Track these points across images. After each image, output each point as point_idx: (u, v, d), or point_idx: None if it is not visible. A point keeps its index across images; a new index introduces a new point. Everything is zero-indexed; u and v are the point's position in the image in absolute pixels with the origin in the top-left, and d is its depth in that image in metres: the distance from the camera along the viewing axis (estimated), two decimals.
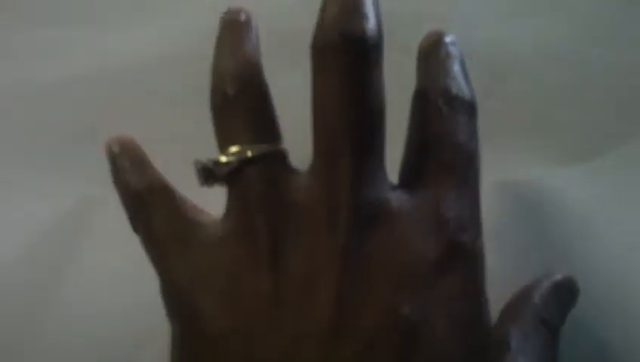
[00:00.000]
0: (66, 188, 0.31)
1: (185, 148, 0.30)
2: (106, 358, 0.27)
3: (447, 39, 0.24)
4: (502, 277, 0.27)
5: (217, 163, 0.22)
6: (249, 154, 0.22)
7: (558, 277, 0.25)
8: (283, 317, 0.20)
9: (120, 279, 0.28)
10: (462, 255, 0.21)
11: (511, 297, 0.25)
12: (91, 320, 0.28)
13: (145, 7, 0.34)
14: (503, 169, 0.30)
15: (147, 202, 0.23)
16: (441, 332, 0.20)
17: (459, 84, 0.23)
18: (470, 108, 0.23)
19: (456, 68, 0.24)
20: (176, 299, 0.22)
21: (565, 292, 0.25)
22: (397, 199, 0.22)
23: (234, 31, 0.24)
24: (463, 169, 0.23)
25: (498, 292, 0.25)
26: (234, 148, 0.22)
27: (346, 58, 0.22)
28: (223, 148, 0.23)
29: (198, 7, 0.34)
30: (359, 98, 0.22)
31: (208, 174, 0.23)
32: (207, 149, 0.29)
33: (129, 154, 0.25)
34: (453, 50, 0.24)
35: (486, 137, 0.25)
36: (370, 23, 0.22)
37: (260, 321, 0.20)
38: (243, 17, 0.25)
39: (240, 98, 0.23)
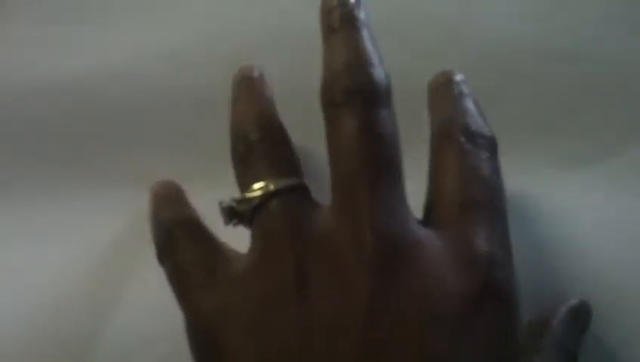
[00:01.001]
0: (64, 190, 0.30)
1: (186, 147, 0.30)
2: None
3: (457, 77, 0.24)
4: None
5: (240, 200, 0.23)
6: (272, 187, 0.22)
7: (574, 302, 0.25)
8: (310, 356, 0.20)
9: (120, 283, 0.28)
10: (498, 293, 0.21)
11: (528, 325, 0.25)
12: (94, 323, 0.28)
13: (146, 7, 0.33)
14: (507, 173, 0.28)
15: (174, 234, 0.24)
16: None
17: (477, 122, 0.23)
18: (491, 146, 0.23)
19: (471, 106, 0.24)
20: (203, 335, 0.22)
21: (581, 317, 0.25)
22: (425, 234, 0.21)
23: (249, 86, 0.25)
24: (492, 203, 0.22)
25: None
26: (257, 185, 0.22)
27: (359, 101, 0.22)
28: (245, 188, 0.23)
29: (200, 6, 0.33)
30: (375, 136, 0.22)
31: (232, 212, 0.23)
32: (208, 148, 0.30)
33: (166, 191, 0.25)
34: (465, 88, 0.24)
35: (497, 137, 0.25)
36: (378, 69, 0.23)
37: (288, 358, 0.20)
38: (256, 73, 0.26)
39: (262, 141, 0.23)
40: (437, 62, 0.29)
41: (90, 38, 0.33)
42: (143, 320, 0.27)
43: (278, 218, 0.22)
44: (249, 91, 0.25)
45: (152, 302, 0.26)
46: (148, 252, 0.25)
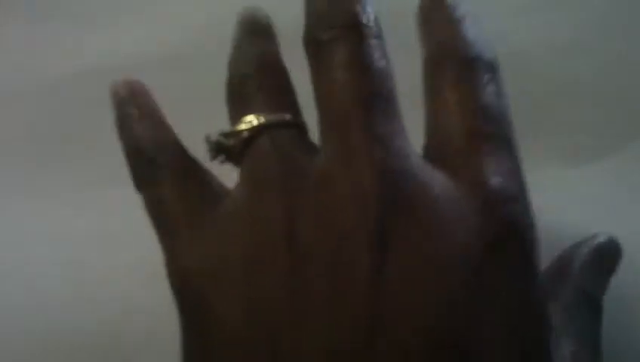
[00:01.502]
0: (61, 188, 0.30)
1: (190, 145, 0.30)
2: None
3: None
4: None
5: (229, 133, 0.20)
6: (263, 120, 0.20)
7: (600, 239, 0.23)
8: (304, 325, 0.17)
9: (118, 277, 0.28)
10: (517, 232, 0.18)
11: (549, 266, 0.23)
12: (91, 320, 0.27)
13: (143, 4, 0.34)
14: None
15: (156, 161, 0.21)
16: (497, 331, 0.17)
17: (475, 45, 0.21)
18: (492, 67, 0.21)
19: (467, 26, 0.21)
20: (187, 286, 0.19)
21: (607, 257, 0.23)
22: (430, 173, 0.19)
23: (252, 28, 0.23)
24: (499, 132, 0.20)
25: None
26: (248, 118, 0.20)
27: (345, 34, 0.20)
28: (235, 120, 0.21)
29: (197, 4, 0.34)
30: (365, 67, 0.20)
31: (219, 147, 0.21)
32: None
33: (138, 101, 0.22)
34: (459, 8, 0.22)
35: None
36: (362, 4, 0.21)
37: (278, 313, 0.18)
38: (264, 20, 0.24)
39: (258, 75, 0.21)
40: None
41: (85, 38, 0.33)
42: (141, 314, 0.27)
43: (268, 155, 0.20)
44: (252, 32, 0.23)
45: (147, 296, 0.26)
46: (147, 249, 0.24)
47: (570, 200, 0.28)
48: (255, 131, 0.20)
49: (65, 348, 0.27)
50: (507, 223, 0.18)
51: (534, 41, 0.32)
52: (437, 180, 0.19)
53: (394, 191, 0.18)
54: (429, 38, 0.22)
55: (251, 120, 0.20)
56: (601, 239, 0.23)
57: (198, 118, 0.29)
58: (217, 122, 0.26)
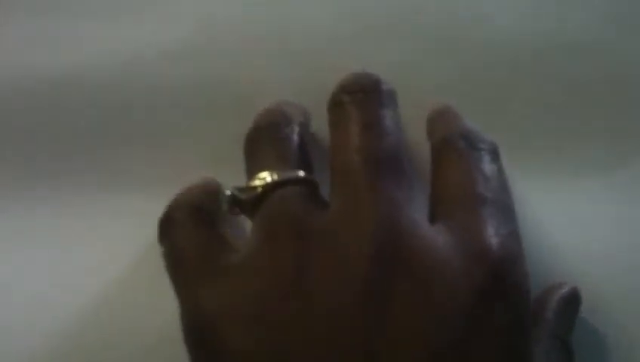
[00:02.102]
0: (68, 188, 0.30)
1: (191, 143, 0.30)
2: None
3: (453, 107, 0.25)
4: None
5: (244, 189, 0.22)
6: (275, 177, 0.22)
7: (565, 290, 0.25)
8: (310, 354, 0.19)
9: (124, 285, 0.28)
10: (510, 287, 0.20)
11: None
12: (94, 326, 0.27)
13: (145, 3, 0.33)
14: (516, 177, 0.28)
15: (175, 215, 0.23)
16: None
17: (476, 130, 0.23)
18: (493, 149, 0.23)
19: (468, 121, 0.24)
20: (202, 330, 0.21)
21: (572, 304, 0.25)
22: (430, 228, 0.21)
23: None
24: (499, 199, 0.22)
25: None
26: (263, 175, 0.22)
27: (364, 99, 0.22)
28: (251, 176, 0.23)
29: (200, 4, 0.33)
30: (378, 132, 0.22)
31: (234, 200, 0.23)
32: (212, 145, 0.29)
33: (199, 182, 0.25)
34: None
35: (504, 141, 0.25)
36: (385, 82, 0.23)
37: (286, 352, 0.20)
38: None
39: (274, 131, 0.23)
40: (444, 62, 0.30)
41: (88, 34, 0.32)
42: (147, 323, 0.26)
43: (279, 209, 0.21)
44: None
45: (156, 305, 0.26)
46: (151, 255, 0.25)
47: (579, 207, 0.28)
48: (268, 188, 0.22)
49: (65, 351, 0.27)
50: (500, 279, 0.20)
51: (548, 41, 0.31)
52: (438, 238, 0.20)
53: (394, 247, 0.20)
54: (436, 130, 0.24)
55: (265, 176, 0.22)
56: (565, 290, 0.25)
57: (199, 114, 0.30)
58: (217, 119, 0.27)
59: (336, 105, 0.23)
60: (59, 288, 0.28)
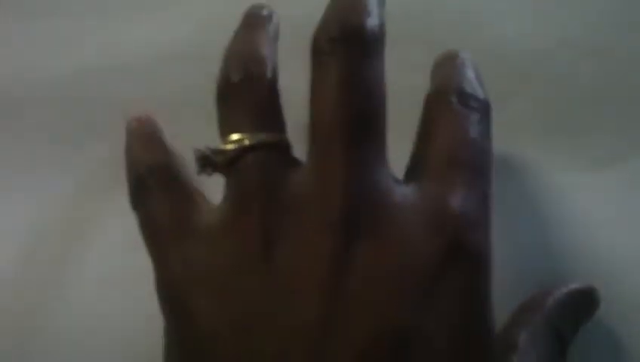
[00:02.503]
0: (69, 186, 0.31)
1: (190, 145, 0.30)
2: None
3: (463, 54, 0.24)
4: (518, 283, 0.26)
5: (216, 151, 0.22)
6: (247, 142, 0.21)
7: (577, 285, 0.24)
8: (273, 316, 0.20)
9: (121, 282, 0.28)
10: (466, 256, 0.20)
11: (525, 300, 0.24)
12: (93, 324, 0.28)
13: (147, 3, 0.34)
14: (525, 173, 0.29)
15: (146, 182, 0.23)
16: (439, 341, 0.19)
17: (473, 85, 0.23)
18: (484, 108, 0.23)
19: (470, 72, 0.23)
20: (170, 294, 0.21)
21: (582, 303, 0.25)
22: (399, 192, 0.21)
23: (252, 23, 0.25)
24: (476, 164, 0.22)
25: (513, 296, 0.25)
26: (234, 137, 0.22)
27: (344, 48, 0.21)
28: (223, 137, 0.22)
29: (202, 3, 0.34)
30: (357, 87, 0.21)
31: (206, 162, 0.22)
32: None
33: (142, 130, 0.25)
34: (467, 59, 0.24)
35: (508, 139, 0.25)
36: (372, 18, 0.22)
37: (251, 318, 0.20)
38: (265, 12, 0.25)
39: (244, 86, 0.22)
40: None
41: (91, 34, 0.33)
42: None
43: (251, 175, 0.21)
44: (249, 28, 0.25)
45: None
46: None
47: (592, 204, 0.28)
48: (240, 151, 0.21)
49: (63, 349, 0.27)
50: (458, 246, 0.20)
51: (551, 41, 0.32)
52: (406, 203, 0.21)
53: (360, 207, 0.20)
54: (433, 79, 0.24)
55: (238, 138, 0.22)
56: (578, 285, 0.24)
57: (199, 116, 0.29)
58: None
59: (315, 53, 0.22)
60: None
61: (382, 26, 0.22)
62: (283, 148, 0.22)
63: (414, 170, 0.22)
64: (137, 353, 0.26)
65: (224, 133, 0.22)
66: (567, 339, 0.23)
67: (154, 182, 0.23)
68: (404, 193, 0.21)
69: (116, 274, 0.28)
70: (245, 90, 0.22)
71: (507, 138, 0.24)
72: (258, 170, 0.21)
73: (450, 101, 0.22)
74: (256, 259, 0.20)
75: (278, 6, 0.28)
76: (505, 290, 0.23)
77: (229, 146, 0.22)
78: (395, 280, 0.19)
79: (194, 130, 0.29)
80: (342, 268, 0.20)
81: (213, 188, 0.23)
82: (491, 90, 0.29)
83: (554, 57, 0.31)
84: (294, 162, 0.22)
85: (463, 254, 0.20)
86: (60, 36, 0.33)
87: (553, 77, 0.31)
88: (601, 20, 0.32)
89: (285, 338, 0.19)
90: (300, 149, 0.23)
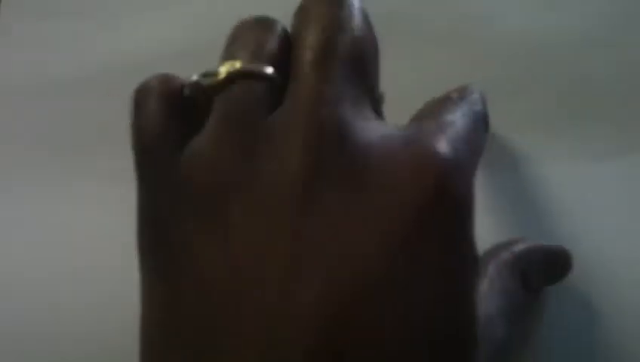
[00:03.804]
0: (75, 187, 0.30)
1: None
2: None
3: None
4: None
5: (207, 74, 0.21)
6: (238, 66, 0.21)
7: (553, 245, 0.25)
8: (237, 279, 0.18)
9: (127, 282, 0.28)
10: (451, 198, 0.18)
11: (500, 241, 0.24)
12: (95, 322, 0.27)
13: (148, 4, 0.34)
14: (535, 163, 0.28)
15: (141, 95, 0.22)
16: (420, 290, 0.18)
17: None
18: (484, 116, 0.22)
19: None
20: (150, 215, 0.20)
21: (553, 259, 0.25)
22: (382, 134, 0.20)
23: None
24: (470, 107, 0.21)
25: None
26: (229, 62, 0.21)
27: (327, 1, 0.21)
28: (220, 62, 0.22)
29: (204, 4, 0.33)
30: (341, 27, 0.20)
31: (196, 85, 0.21)
32: None
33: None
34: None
35: (518, 131, 0.24)
36: None
37: (217, 282, 0.18)
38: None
39: (261, 25, 0.22)
40: (464, 53, 0.30)
41: (95, 35, 0.33)
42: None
43: (234, 101, 0.20)
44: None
45: None
46: None
47: (593, 196, 0.28)
48: (230, 76, 0.21)
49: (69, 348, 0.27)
50: (444, 187, 0.18)
51: (559, 34, 0.31)
52: (386, 141, 0.19)
53: (334, 153, 0.19)
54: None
55: (231, 64, 0.21)
56: (554, 245, 0.25)
57: None
58: None
59: (300, 9, 0.22)
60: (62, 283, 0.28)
61: None
62: (274, 82, 0.21)
63: (411, 120, 0.21)
64: None
65: (222, 59, 0.22)
66: (532, 286, 0.23)
67: (147, 94, 0.22)
68: (387, 135, 0.20)
69: None
70: (260, 27, 0.22)
71: (509, 130, 0.24)
72: (242, 97, 0.20)
73: (450, 95, 0.22)
74: (230, 185, 0.19)
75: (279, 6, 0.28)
76: None
77: (222, 70, 0.21)
78: (374, 225, 0.18)
79: None
80: (306, 209, 0.18)
81: None
82: (494, 83, 0.29)
83: (562, 50, 0.31)
84: (283, 97, 0.21)
85: (446, 196, 0.18)
86: (67, 37, 0.33)
87: (561, 69, 0.31)
88: (603, 14, 0.32)
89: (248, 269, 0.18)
90: None
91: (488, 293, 0.21)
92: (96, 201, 0.29)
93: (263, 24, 0.22)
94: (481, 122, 0.22)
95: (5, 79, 0.32)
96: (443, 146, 0.19)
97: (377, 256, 0.18)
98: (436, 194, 0.18)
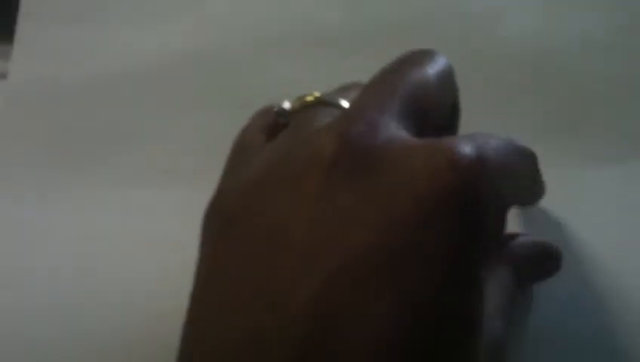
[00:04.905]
0: (89, 191, 0.30)
1: (208, 146, 0.30)
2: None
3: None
4: None
5: (295, 100, 0.25)
6: (311, 98, 0.24)
7: (544, 241, 0.25)
8: (254, 264, 0.20)
9: (138, 286, 0.28)
10: (467, 200, 0.19)
11: None
12: (102, 326, 0.27)
13: (169, 6, 0.35)
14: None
15: (246, 129, 0.26)
16: (415, 286, 0.18)
17: None
18: None
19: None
20: (213, 208, 0.23)
21: (544, 255, 0.25)
22: (409, 137, 0.21)
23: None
24: (505, 138, 0.21)
25: None
26: (315, 93, 0.24)
27: None
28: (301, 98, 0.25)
29: (222, 5, 0.35)
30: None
31: (282, 111, 0.24)
32: (211, 147, 0.28)
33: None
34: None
35: (520, 135, 0.25)
36: None
37: (244, 269, 0.20)
38: None
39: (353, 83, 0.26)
40: (463, 57, 0.30)
41: (99, 40, 0.34)
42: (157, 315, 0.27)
43: (304, 118, 0.23)
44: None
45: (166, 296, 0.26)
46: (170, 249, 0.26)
47: (591, 201, 0.28)
48: (309, 103, 0.24)
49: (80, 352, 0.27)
50: (457, 185, 0.19)
51: (562, 38, 0.32)
52: (407, 141, 0.20)
53: (351, 150, 0.20)
54: None
55: (314, 95, 0.24)
56: (546, 241, 0.25)
57: (227, 115, 0.29)
58: (222, 122, 0.27)
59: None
60: (70, 281, 0.28)
61: None
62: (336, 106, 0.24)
63: None
64: None
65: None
66: (519, 277, 0.23)
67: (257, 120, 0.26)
68: (412, 138, 0.21)
69: None
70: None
71: (516, 130, 0.25)
72: (309, 116, 0.23)
73: None
74: (255, 207, 0.21)
75: (284, 7, 0.29)
76: None
77: (307, 98, 0.24)
78: (371, 214, 0.19)
79: (206, 130, 0.31)
80: (325, 210, 0.19)
81: None
82: (494, 87, 0.30)
83: (565, 53, 0.32)
84: None
85: (462, 197, 0.19)
86: (80, 43, 0.34)
87: (564, 73, 0.31)
88: (612, 18, 0.32)
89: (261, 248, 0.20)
90: None
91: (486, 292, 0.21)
92: (108, 196, 0.30)
93: (358, 83, 0.25)
94: (522, 151, 0.23)
95: (16, 85, 0.33)
96: (467, 148, 0.19)
97: (378, 240, 0.18)
98: (449, 187, 0.19)
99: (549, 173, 0.26)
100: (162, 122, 0.32)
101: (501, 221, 0.21)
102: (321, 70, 0.27)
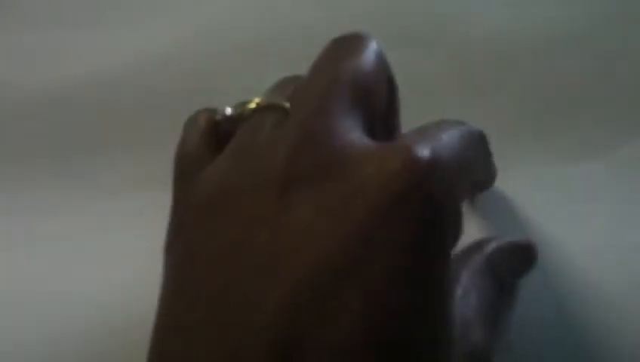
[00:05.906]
0: (72, 197, 0.31)
1: None
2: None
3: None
4: None
5: (237, 105, 0.24)
6: (258, 103, 0.23)
7: (519, 239, 0.25)
8: (230, 266, 0.20)
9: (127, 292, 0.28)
10: (424, 201, 0.19)
11: (469, 243, 0.24)
12: (95, 330, 0.27)
13: (148, 8, 0.35)
14: (513, 164, 0.29)
15: (187, 127, 0.25)
16: (378, 289, 0.18)
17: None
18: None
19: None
20: (174, 226, 0.23)
21: (521, 254, 0.25)
22: (364, 140, 0.21)
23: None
24: (458, 125, 0.22)
25: None
26: (256, 99, 0.24)
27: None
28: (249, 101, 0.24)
29: (202, 6, 0.35)
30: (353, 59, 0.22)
31: (228, 118, 0.24)
32: None
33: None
34: None
35: (496, 131, 0.25)
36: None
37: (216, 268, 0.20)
38: None
39: (289, 78, 0.25)
40: (437, 54, 0.31)
41: (91, 43, 0.34)
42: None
43: (247, 127, 0.23)
44: None
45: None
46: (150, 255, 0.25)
47: (569, 198, 0.29)
48: (250, 110, 0.23)
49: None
50: (415, 186, 0.19)
51: (538, 34, 0.32)
52: (362, 144, 0.20)
53: (307, 153, 0.20)
54: None
55: (256, 100, 0.24)
56: (521, 239, 0.25)
57: None
58: None
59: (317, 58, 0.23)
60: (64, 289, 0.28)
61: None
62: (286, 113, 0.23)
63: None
64: None
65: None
66: (503, 281, 0.24)
67: (198, 124, 0.25)
68: (367, 140, 0.21)
69: None
70: (287, 80, 0.25)
71: (492, 129, 0.25)
72: (257, 122, 0.23)
73: None
74: (235, 191, 0.21)
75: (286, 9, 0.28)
76: None
77: (250, 104, 0.24)
78: (330, 218, 0.19)
79: None
80: (285, 216, 0.19)
81: None
82: (478, 82, 0.30)
83: (541, 50, 0.32)
84: None
85: (416, 197, 0.19)
86: (59, 46, 0.34)
87: (540, 69, 0.31)
88: (588, 14, 0.33)
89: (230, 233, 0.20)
90: None
91: (463, 297, 0.22)
92: (95, 203, 0.30)
93: (295, 77, 0.25)
94: (473, 139, 0.23)
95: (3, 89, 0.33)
96: (421, 149, 0.19)
97: (339, 248, 0.18)
98: (404, 190, 0.19)
99: (524, 170, 0.27)
100: (143, 126, 0.32)
101: (459, 216, 0.21)
102: (303, 72, 0.26)
